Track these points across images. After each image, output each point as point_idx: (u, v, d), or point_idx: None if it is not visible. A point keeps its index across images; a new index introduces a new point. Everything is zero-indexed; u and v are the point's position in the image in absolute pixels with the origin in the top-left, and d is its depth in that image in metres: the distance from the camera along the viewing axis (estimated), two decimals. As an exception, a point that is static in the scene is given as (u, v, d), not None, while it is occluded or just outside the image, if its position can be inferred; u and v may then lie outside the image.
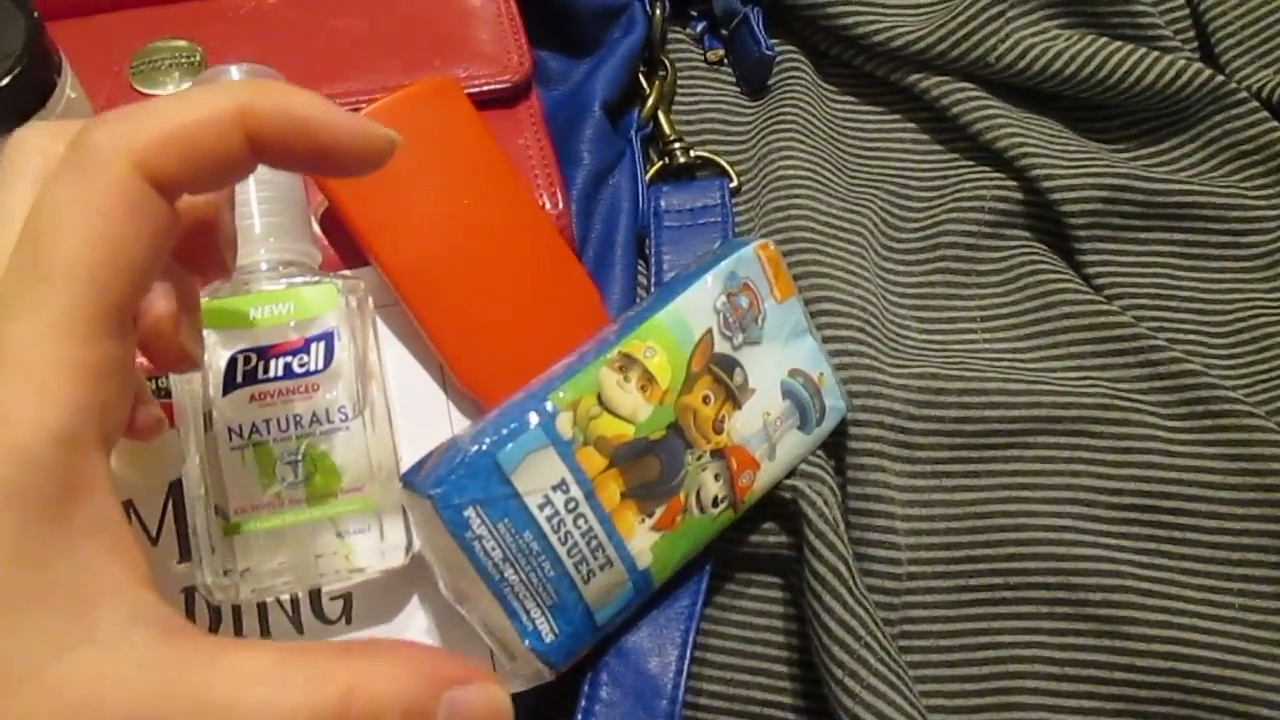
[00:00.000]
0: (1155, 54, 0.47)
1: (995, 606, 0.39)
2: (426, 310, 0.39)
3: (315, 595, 0.36)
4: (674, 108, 0.51)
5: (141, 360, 0.26)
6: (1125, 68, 0.47)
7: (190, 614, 0.36)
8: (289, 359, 0.35)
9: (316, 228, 0.40)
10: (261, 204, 0.36)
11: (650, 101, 0.49)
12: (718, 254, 0.39)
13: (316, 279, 0.36)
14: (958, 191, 0.47)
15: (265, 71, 0.38)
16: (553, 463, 0.33)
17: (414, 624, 0.36)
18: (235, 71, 0.37)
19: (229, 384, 0.34)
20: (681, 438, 0.36)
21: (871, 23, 0.49)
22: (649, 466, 0.35)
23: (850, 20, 0.49)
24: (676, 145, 0.48)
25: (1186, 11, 0.51)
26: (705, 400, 0.36)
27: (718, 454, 0.36)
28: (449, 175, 0.40)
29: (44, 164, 0.25)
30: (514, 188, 0.41)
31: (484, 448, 0.32)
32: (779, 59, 0.51)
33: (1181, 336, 0.45)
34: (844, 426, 0.41)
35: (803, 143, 0.47)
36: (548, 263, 0.41)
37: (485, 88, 0.44)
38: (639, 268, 0.46)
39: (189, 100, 0.24)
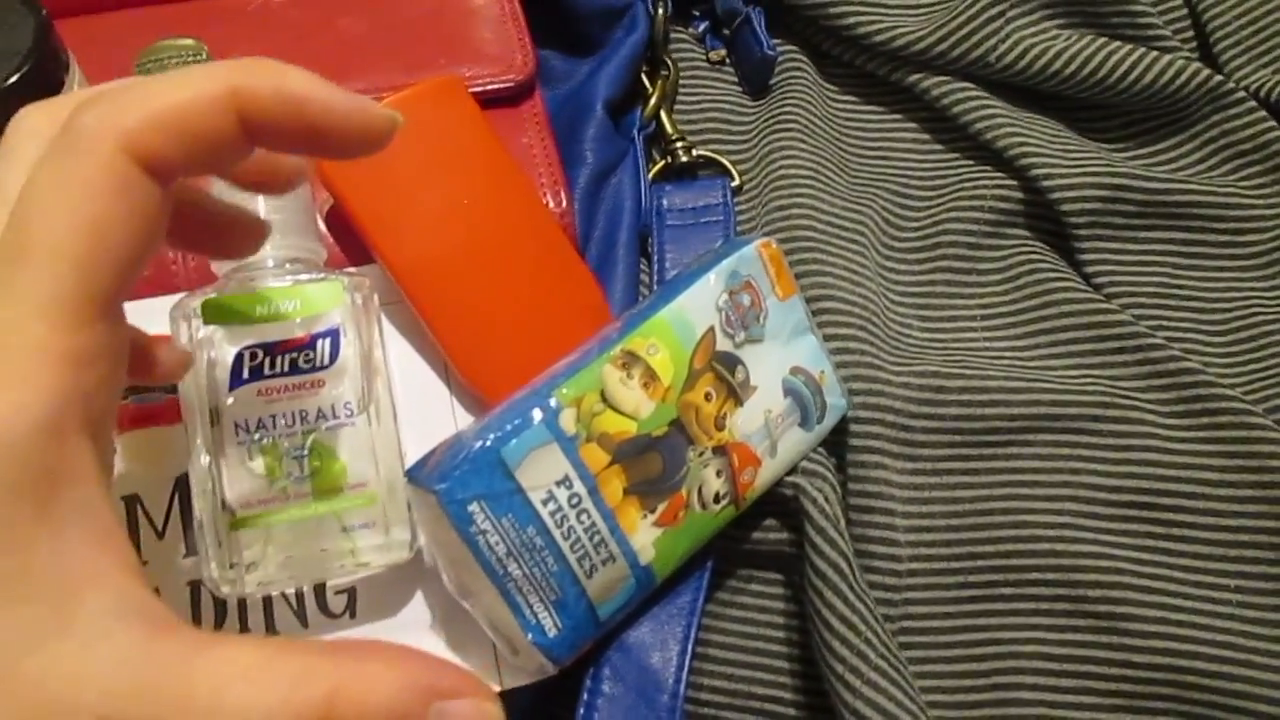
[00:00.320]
0: (1154, 54, 0.47)
1: (995, 603, 0.40)
2: (431, 307, 0.39)
3: (320, 590, 0.37)
4: (676, 107, 0.51)
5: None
6: (1124, 68, 0.47)
7: (196, 607, 0.36)
8: (295, 355, 0.35)
9: (322, 225, 0.41)
10: (267, 201, 0.36)
11: (653, 101, 0.49)
12: (720, 252, 0.39)
13: (322, 276, 0.36)
14: (958, 191, 0.47)
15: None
16: (556, 458, 0.33)
17: (418, 618, 0.37)
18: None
19: (235, 380, 0.34)
20: (684, 434, 0.36)
21: (872, 23, 0.49)
22: (651, 463, 0.35)
23: (851, 20, 0.49)
24: (679, 144, 0.49)
25: (1185, 12, 0.51)
26: (707, 397, 0.36)
27: (719, 451, 0.37)
28: (453, 174, 0.40)
29: (38, 146, 0.24)
30: (518, 186, 0.42)
31: (488, 443, 0.32)
32: (781, 59, 0.51)
33: (1180, 335, 0.45)
34: (845, 424, 0.41)
35: (804, 142, 0.48)
36: (551, 261, 0.41)
37: (489, 87, 0.44)
38: (641, 266, 0.46)
39: (181, 80, 0.23)
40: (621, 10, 0.49)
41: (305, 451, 0.34)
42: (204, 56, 0.43)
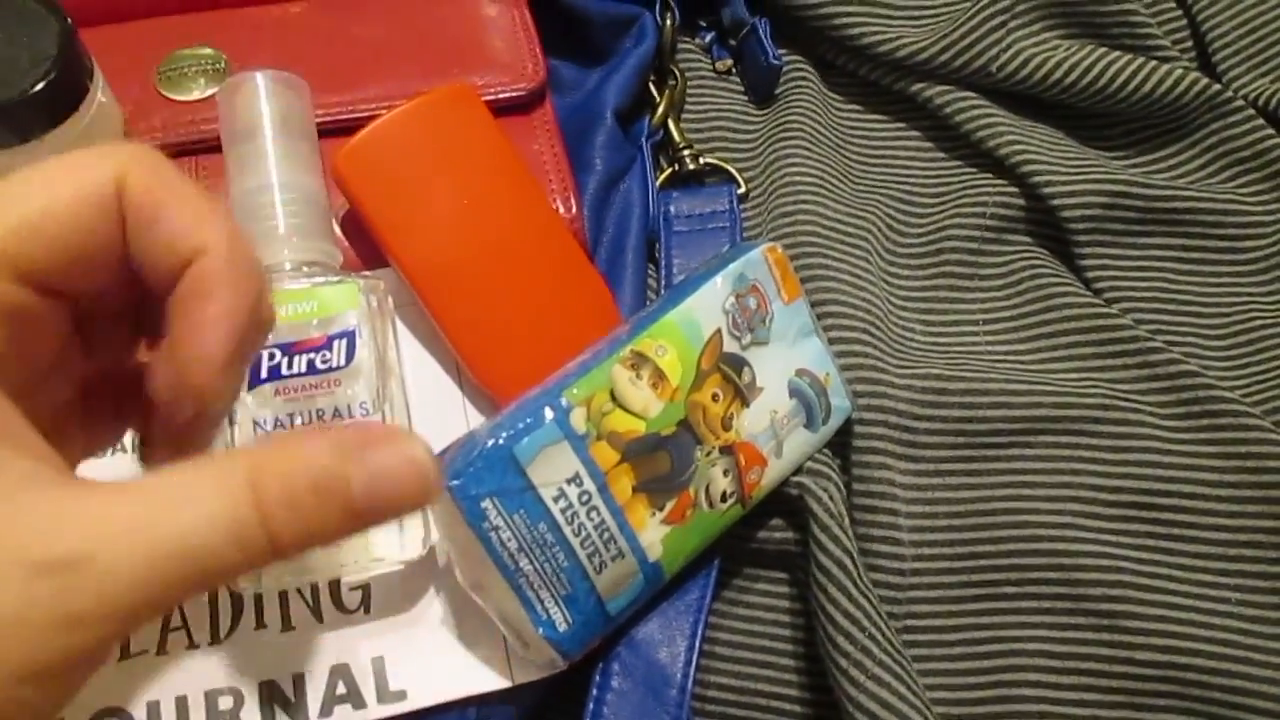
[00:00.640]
0: (1154, 63, 0.48)
1: (997, 601, 0.40)
2: (444, 310, 0.40)
3: (335, 585, 0.37)
4: (684, 116, 0.52)
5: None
6: (1124, 77, 0.48)
7: (213, 604, 0.37)
8: (312, 356, 0.36)
9: (337, 229, 0.42)
10: (285, 206, 0.37)
11: (661, 109, 0.50)
12: (726, 257, 0.40)
13: (338, 279, 0.37)
14: (960, 197, 0.48)
15: (288, 78, 0.39)
16: (567, 456, 0.34)
17: (431, 614, 0.37)
18: (259, 77, 0.38)
19: (254, 380, 0.35)
20: (691, 434, 0.37)
21: (876, 33, 0.50)
22: (660, 461, 0.36)
23: (856, 31, 0.50)
24: (686, 152, 0.49)
25: (1184, 21, 0.52)
26: (714, 398, 0.37)
27: (726, 450, 0.37)
28: (466, 179, 0.41)
29: None
30: (529, 192, 0.42)
31: (500, 441, 0.33)
32: (786, 68, 0.52)
33: (1179, 339, 0.45)
34: (849, 425, 0.41)
35: (809, 150, 0.48)
36: (561, 265, 0.42)
37: (501, 95, 0.45)
38: (649, 271, 0.47)
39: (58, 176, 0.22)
40: (630, 21, 0.50)
41: (321, 450, 0.35)
42: (223, 65, 0.43)
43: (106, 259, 0.23)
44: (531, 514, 0.33)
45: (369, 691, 0.36)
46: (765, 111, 0.52)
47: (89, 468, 0.25)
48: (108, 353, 0.27)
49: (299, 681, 0.36)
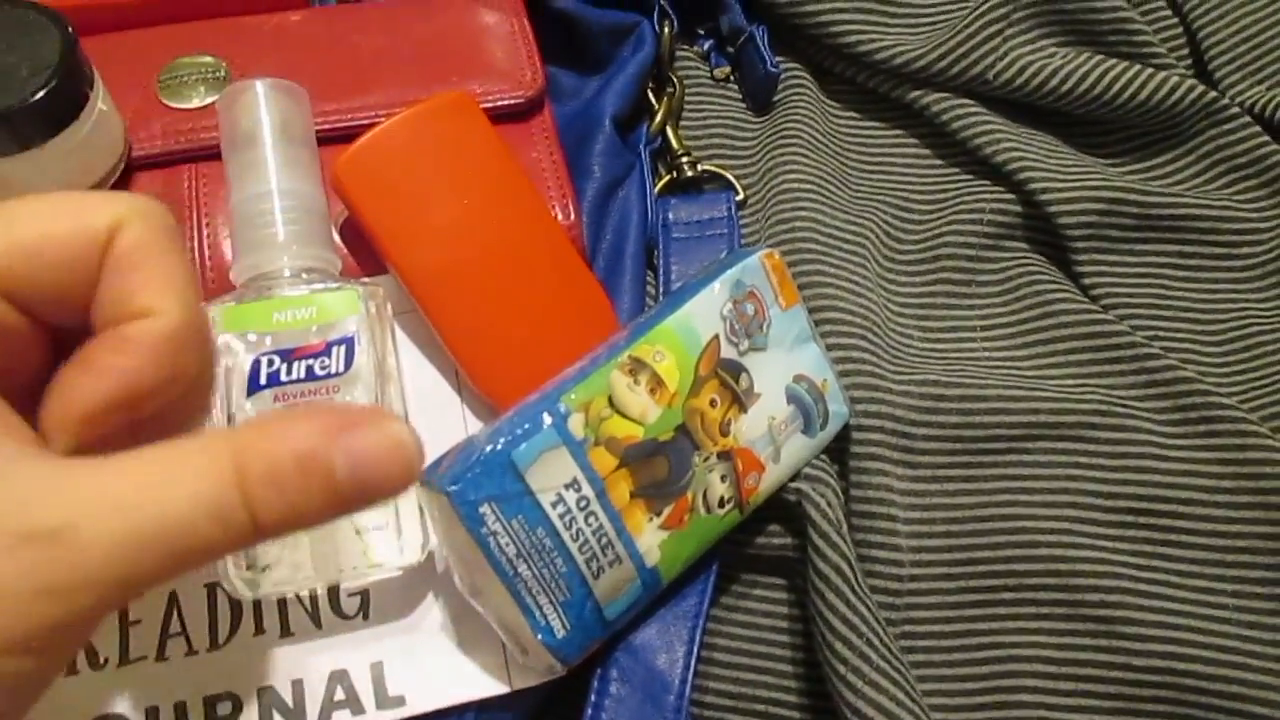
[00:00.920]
0: (1150, 71, 0.48)
1: (995, 608, 0.40)
2: (443, 316, 0.40)
3: (334, 591, 0.37)
4: (682, 123, 0.52)
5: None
6: (1120, 84, 0.48)
7: (212, 610, 0.37)
8: (311, 362, 0.36)
9: (336, 236, 0.42)
10: (284, 213, 0.37)
11: (659, 117, 0.50)
12: (724, 262, 0.40)
13: (337, 285, 0.37)
14: (958, 204, 0.48)
15: (288, 86, 0.39)
16: (565, 462, 0.34)
17: (430, 620, 0.37)
18: (259, 85, 0.39)
19: (253, 386, 0.35)
20: (689, 439, 0.37)
21: (874, 41, 0.50)
22: (658, 467, 0.36)
23: (853, 39, 0.50)
24: (684, 159, 0.49)
25: (1180, 29, 0.52)
26: (712, 403, 0.37)
27: (724, 456, 0.37)
28: (465, 186, 0.41)
29: None
30: (527, 199, 0.42)
31: (499, 446, 0.33)
32: (784, 76, 0.52)
33: (1176, 345, 0.46)
34: (847, 431, 0.42)
35: (807, 157, 0.49)
36: (560, 271, 0.42)
37: (500, 102, 0.45)
38: (647, 277, 0.47)
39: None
40: (629, 28, 0.50)
41: (320, 456, 0.35)
42: (223, 73, 0.44)
43: (83, 297, 0.23)
44: (530, 519, 0.34)
45: (368, 697, 0.36)
46: (763, 119, 0.52)
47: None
48: None
49: (298, 687, 0.36)
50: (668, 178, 0.50)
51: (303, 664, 0.36)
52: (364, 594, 0.38)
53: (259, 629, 0.37)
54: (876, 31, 0.50)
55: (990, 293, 0.47)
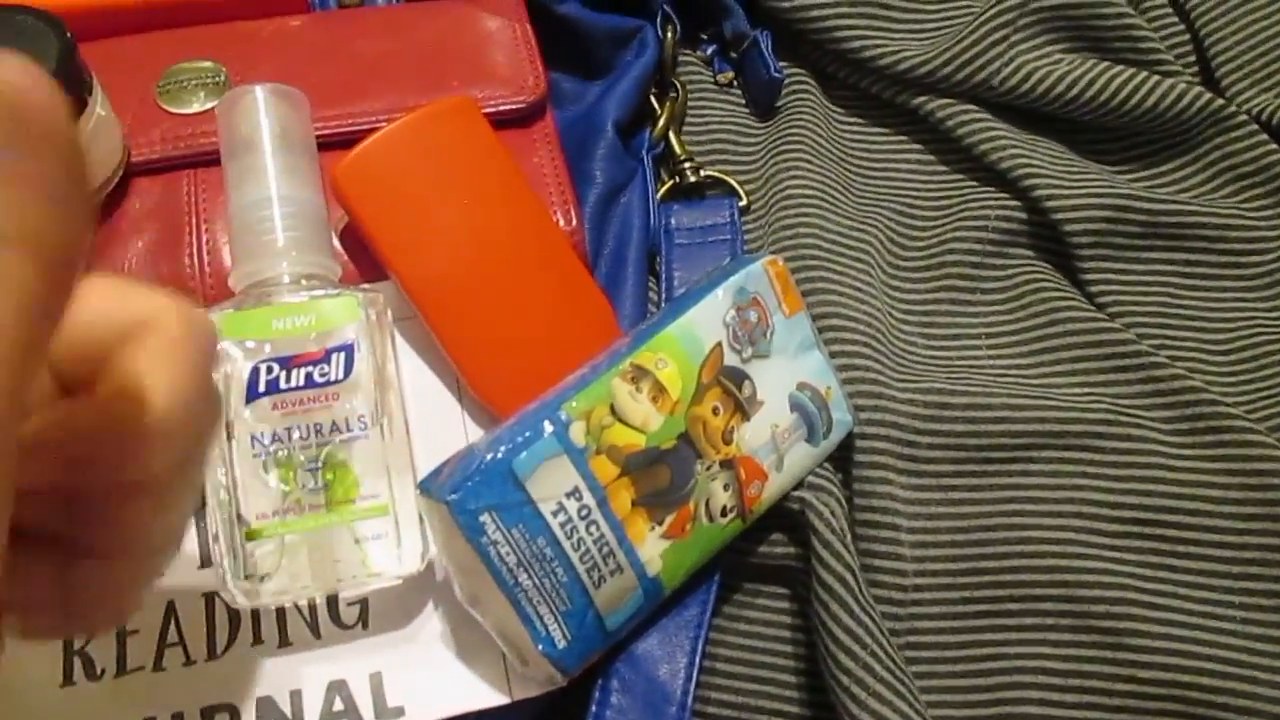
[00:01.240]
0: (1156, 77, 0.48)
1: (999, 618, 0.40)
2: (443, 323, 0.40)
3: (333, 600, 0.37)
4: (685, 128, 0.52)
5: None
6: (1126, 91, 0.48)
7: (210, 619, 0.36)
8: (310, 369, 0.35)
9: (336, 242, 0.41)
10: (284, 219, 0.37)
11: (661, 122, 0.50)
12: (727, 269, 0.40)
13: (337, 292, 0.37)
14: (962, 211, 0.48)
15: (288, 91, 0.39)
16: (566, 470, 0.34)
17: (430, 629, 0.37)
18: (259, 90, 0.38)
19: (251, 393, 0.35)
20: (691, 448, 0.36)
21: (878, 47, 0.50)
22: (659, 475, 0.36)
23: (857, 44, 0.50)
24: (687, 165, 0.49)
25: (1187, 36, 0.52)
26: (715, 411, 0.37)
27: (727, 464, 0.37)
28: (466, 192, 0.41)
29: None
30: (529, 205, 0.42)
31: (499, 455, 0.33)
32: (787, 81, 0.52)
33: (1183, 354, 0.45)
34: (850, 440, 0.41)
35: (811, 163, 0.48)
36: (561, 278, 0.42)
37: (502, 108, 0.45)
38: (650, 284, 0.47)
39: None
40: (631, 33, 0.50)
41: (319, 464, 0.35)
42: (222, 79, 0.43)
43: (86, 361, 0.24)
44: (530, 528, 0.33)
45: (366, 707, 0.36)
46: (766, 124, 0.52)
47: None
48: None
49: (296, 698, 0.36)
50: (670, 183, 0.49)
51: (301, 674, 0.36)
52: (363, 603, 0.37)
53: (257, 639, 0.36)
54: (881, 37, 0.50)
55: (995, 300, 0.46)
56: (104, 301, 0.24)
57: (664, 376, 0.36)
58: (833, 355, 0.42)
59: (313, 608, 0.37)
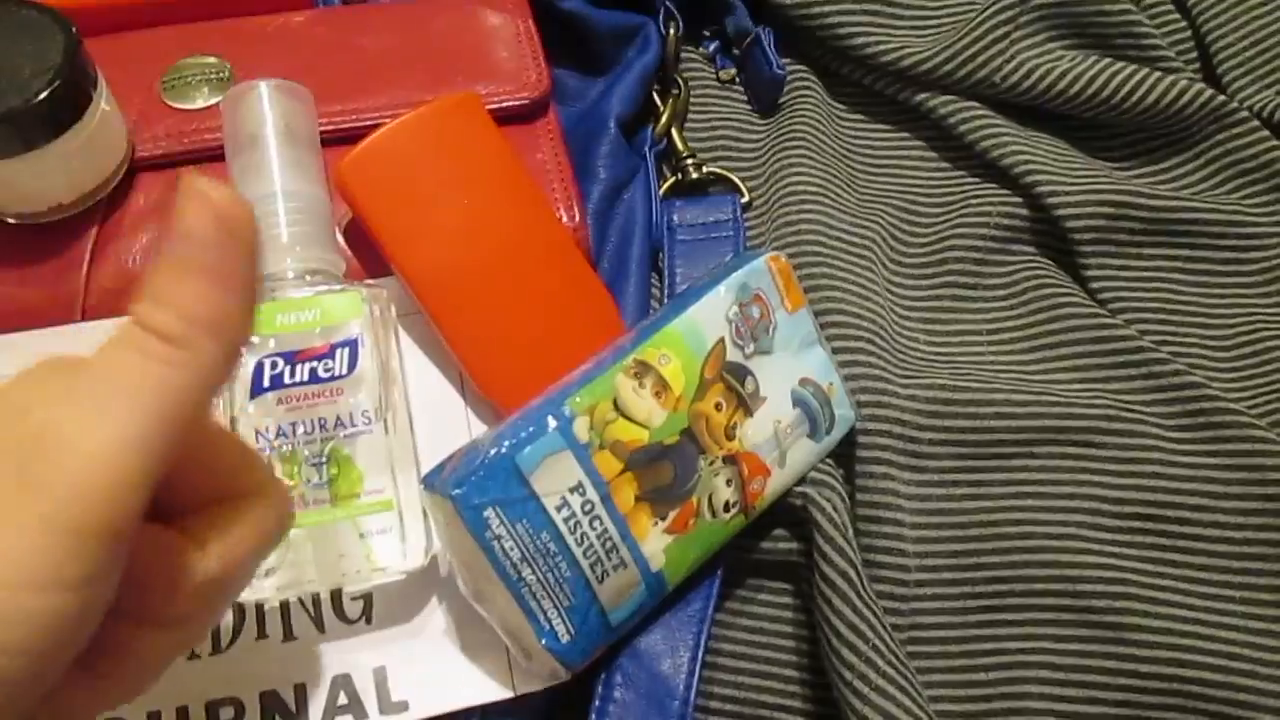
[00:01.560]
0: (1158, 74, 0.48)
1: (1001, 613, 0.40)
2: (447, 319, 0.40)
3: (337, 595, 0.37)
4: (687, 125, 0.52)
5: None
6: (1128, 88, 0.48)
7: (214, 613, 0.37)
8: (314, 364, 0.36)
9: (340, 238, 0.42)
10: (288, 214, 0.37)
11: (664, 119, 0.50)
12: (730, 265, 0.40)
13: (341, 288, 0.37)
14: (964, 207, 0.48)
15: (292, 87, 0.39)
16: (569, 466, 0.34)
17: (433, 624, 0.37)
18: (263, 86, 0.38)
19: (256, 388, 0.35)
20: (694, 443, 0.36)
21: (880, 43, 0.50)
22: (663, 471, 0.36)
23: (860, 41, 0.50)
24: (689, 161, 0.49)
25: (1189, 33, 0.52)
26: (718, 407, 0.37)
27: (729, 460, 0.37)
28: (469, 188, 0.41)
29: None
30: (532, 201, 0.42)
31: (503, 450, 0.33)
32: (790, 78, 0.52)
33: (1184, 350, 0.45)
34: (853, 436, 0.41)
35: (813, 159, 0.48)
36: (565, 274, 0.42)
37: (505, 104, 0.45)
38: (653, 280, 0.47)
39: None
40: (634, 30, 0.50)
41: (323, 459, 0.35)
42: (227, 74, 0.43)
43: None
44: (534, 523, 0.33)
45: (370, 702, 0.36)
46: (769, 121, 0.52)
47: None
48: None
49: (300, 692, 0.36)
50: (673, 180, 0.50)
51: (305, 668, 0.36)
52: (367, 598, 0.37)
53: (261, 633, 0.37)
54: (883, 34, 0.50)
55: (997, 296, 0.46)
56: (236, 451, 0.28)
57: (667, 372, 0.36)
58: (835, 351, 0.42)
59: (317, 602, 0.37)
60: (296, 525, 0.34)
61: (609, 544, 0.35)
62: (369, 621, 0.37)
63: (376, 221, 0.40)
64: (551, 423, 0.34)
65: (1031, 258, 0.47)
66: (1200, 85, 0.48)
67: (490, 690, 0.36)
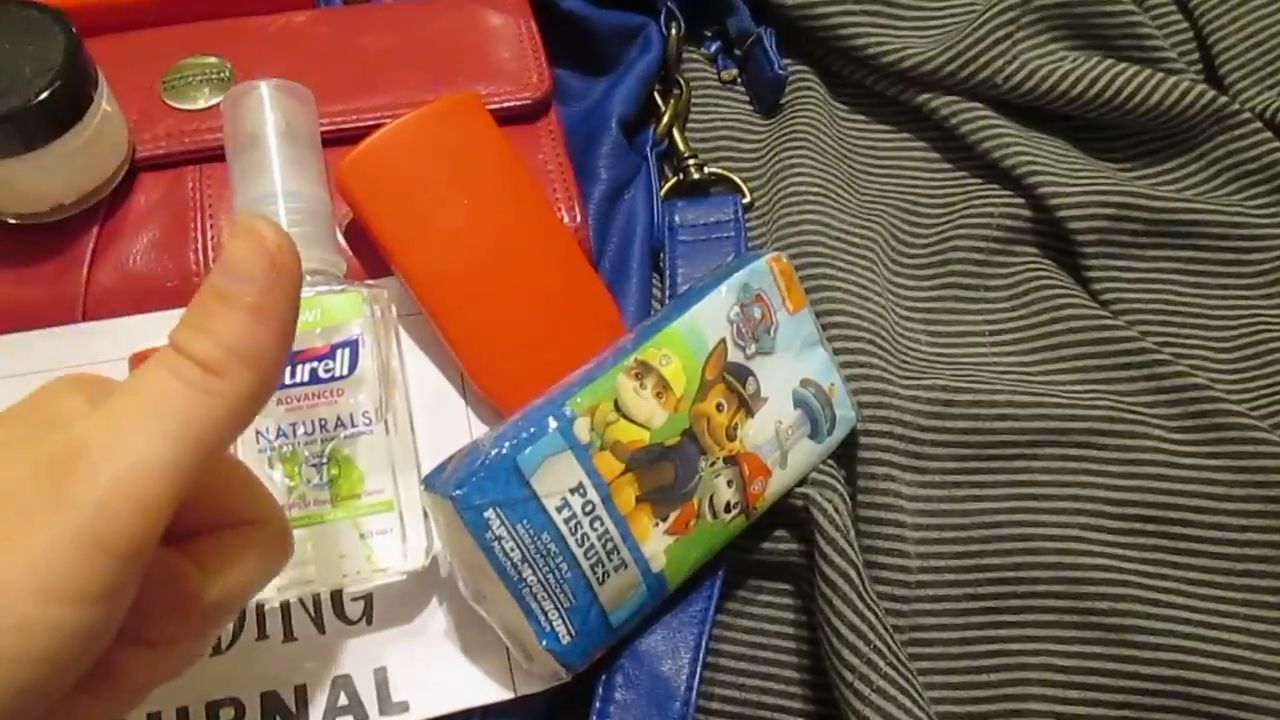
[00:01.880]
0: (1160, 75, 0.48)
1: (1003, 615, 0.40)
2: (448, 320, 0.40)
3: (337, 596, 0.37)
4: (689, 125, 0.52)
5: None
6: (1130, 88, 0.48)
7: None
8: (315, 365, 0.36)
9: (341, 238, 0.41)
10: (289, 215, 0.37)
11: (665, 119, 0.50)
12: (731, 266, 0.40)
13: (342, 288, 0.37)
14: (966, 208, 0.48)
15: (293, 87, 0.39)
16: (570, 466, 0.34)
17: (434, 625, 0.37)
18: (264, 86, 0.38)
19: (257, 388, 0.35)
20: (695, 444, 0.36)
21: (882, 44, 0.50)
22: (664, 471, 0.36)
23: (861, 41, 0.50)
24: (691, 162, 0.49)
25: (1190, 34, 0.52)
26: (719, 408, 0.37)
27: (730, 460, 0.37)
28: (470, 188, 0.41)
29: None
30: (534, 201, 0.42)
31: (504, 451, 0.33)
32: (791, 79, 0.52)
33: (1186, 351, 0.45)
34: (854, 437, 0.41)
35: (814, 160, 0.48)
36: (566, 274, 0.42)
37: (506, 104, 0.45)
38: (654, 281, 0.47)
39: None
40: (635, 30, 0.50)
41: (324, 459, 0.35)
42: (228, 74, 0.43)
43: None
44: (535, 524, 0.33)
45: (371, 703, 0.36)
46: (770, 121, 0.52)
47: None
48: None
49: (301, 693, 0.36)
50: (674, 180, 0.49)
51: (306, 669, 0.36)
52: (368, 599, 0.37)
53: (262, 634, 0.36)
54: (885, 34, 0.50)
55: (999, 298, 0.46)
56: (244, 480, 0.29)
57: (668, 373, 0.36)
58: (836, 352, 0.42)
59: (317, 603, 0.37)
60: (299, 526, 0.34)
61: (610, 545, 0.35)
62: (369, 622, 0.37)
63: (377, 222, 0.40)
64: (552, 423, 0.34)
65: (1033, 259, 0.47)
66: (1202, 86, 0.48)
67: (491, 691, 0.36)
